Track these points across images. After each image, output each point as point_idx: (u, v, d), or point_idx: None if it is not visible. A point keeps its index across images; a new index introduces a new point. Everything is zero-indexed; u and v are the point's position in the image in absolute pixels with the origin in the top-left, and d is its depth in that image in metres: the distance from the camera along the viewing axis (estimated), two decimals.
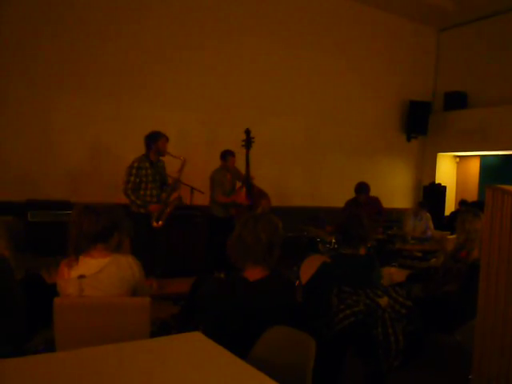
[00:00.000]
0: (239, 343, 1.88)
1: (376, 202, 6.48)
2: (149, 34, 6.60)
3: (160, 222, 5.15)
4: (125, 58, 6.45)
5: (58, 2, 5.98)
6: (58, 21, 5.99)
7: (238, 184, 5.95)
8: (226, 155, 5.83)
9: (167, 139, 5.19)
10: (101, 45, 6.28)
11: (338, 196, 6.80)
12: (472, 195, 9.60)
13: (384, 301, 2.65)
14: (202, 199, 5.97)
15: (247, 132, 5.77)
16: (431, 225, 7.31)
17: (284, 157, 7.88)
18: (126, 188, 5.02)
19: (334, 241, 5.40)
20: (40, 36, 5.90)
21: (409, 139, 9.59)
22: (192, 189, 5.92)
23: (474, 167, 10.13)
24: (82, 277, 2.22)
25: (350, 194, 6.49)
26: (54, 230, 5.08)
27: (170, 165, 5.35)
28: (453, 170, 10.27)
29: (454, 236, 4.33)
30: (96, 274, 2.23)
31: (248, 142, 5.74)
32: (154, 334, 2.31)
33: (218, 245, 5.25)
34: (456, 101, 9.33)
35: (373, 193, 6.47)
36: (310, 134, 8.20)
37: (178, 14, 6.84)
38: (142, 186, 5.10)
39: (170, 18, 6.79)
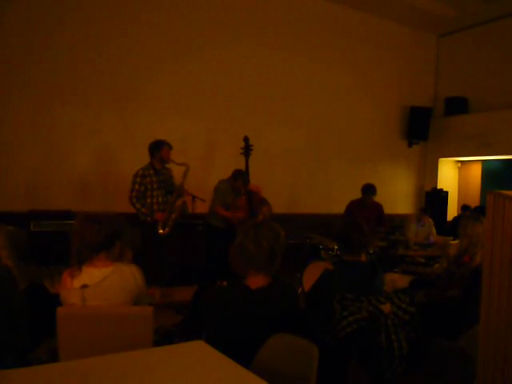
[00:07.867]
0: (242, 351, 1.88)
1: (379, 207, 6.48)
2: (149, 45, 6.64)
3: (166, 229, 5.16)
4: (126, 68, 6.47)
5: (58, 14, 6.02)
6: (59, 33, 6.03)
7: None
8: (238, 177, 5.55)
9: (170, 147, 5.23)
10: (102, 56, 6.31)
11: (341, 202, 6.79)
12: (474, 200, 9.58)
13: (387, 307, 2.65)
14: (203, 207, 5.96)
15: (246, 140, 5.59)
16: (434, 230, 7.29)
17: (286, 164, 7.88)
18: (131, 196, 5.08)
19: (336, 247, 5.38)
20: (42, 48, 5.93)
21: (410, 145, 9.58)
22: (194, 197, 5.91)
23: (476, 172, 10.11)
24: (84, 286, 2.22)
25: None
26: (57, 239, 5.10)
27: (174, 172, 5.41)
28: (454, 175, 10.25)
29: (456, 241, 4.32)
30: (99, 284, 2.23)
31: (247, 150, 5.58)
32: (156, 343, 2.31)
33: (220, 253, 5.25)
34: (457, 106, 9.33)
35: (375, 198, 6.48)
36: (312, 141, 8.21)
37: (178, 24, 6.88)
38: (148, 194, 5.14)
39: (170, 28, 6.82)
